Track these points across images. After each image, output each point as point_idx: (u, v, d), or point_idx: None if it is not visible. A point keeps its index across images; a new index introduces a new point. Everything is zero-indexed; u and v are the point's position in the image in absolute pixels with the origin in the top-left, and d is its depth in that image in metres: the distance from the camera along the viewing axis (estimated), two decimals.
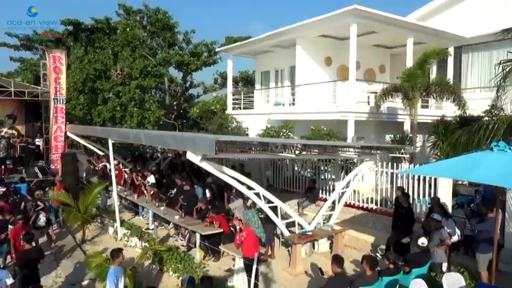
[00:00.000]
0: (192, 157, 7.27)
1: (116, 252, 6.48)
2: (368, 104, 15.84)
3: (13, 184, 14.25)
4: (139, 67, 22.61)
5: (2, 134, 18.57)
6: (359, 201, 12.09)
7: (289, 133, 14.65)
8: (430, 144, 12.77)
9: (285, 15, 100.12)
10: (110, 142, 11.73)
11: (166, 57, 25.04)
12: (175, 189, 12.84)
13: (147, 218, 12.28)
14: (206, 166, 7.41)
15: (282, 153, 7.79)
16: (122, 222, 12.13)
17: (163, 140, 8.27)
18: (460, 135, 8.87)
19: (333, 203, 10.89)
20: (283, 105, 17.06)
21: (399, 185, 10.42)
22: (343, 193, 10.11)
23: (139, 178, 12.91)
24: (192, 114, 20.77)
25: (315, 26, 14.61)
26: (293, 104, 16.52)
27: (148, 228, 11.50)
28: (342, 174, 12.36)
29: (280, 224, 8.61)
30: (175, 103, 27.46)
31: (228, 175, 7.80)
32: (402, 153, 10.18)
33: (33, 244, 7.99)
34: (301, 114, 14.91)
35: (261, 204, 8.34)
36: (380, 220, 10.86)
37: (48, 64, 16.39)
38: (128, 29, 25.02)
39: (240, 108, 19.92)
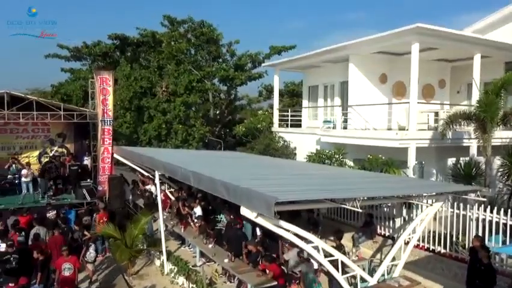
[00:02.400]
0: (246, 213, 6.59)
1: None
2: (428, 124, 14.65)
3: (62, 210, 14.32)
4: (183, 83, 22.43)
5: (53, 152, 18.92)
6: (423, 240, 10.92)
7: (342, 159, 13.69)
8: (501, 170, 11.47)
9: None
10: (157, 174, 11.39)
11: (210, 72, 24.73)
12: (221, 215, 12.35)
13: (194, 251, 11.81)
14: (262, 222, 6.71)
15: (346, 205, 6.95)
16: (169, 256, 11.77)
17: (214, 187, 7.65)
18: None
19: (392, 239, 9.90)
20: (334, 124, 16.11)
21: (473, 230, 9.23)
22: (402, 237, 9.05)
23: (186, 209, 12.46)
24: (238, 132, 20.24)
25: (372, 43, 13.62)
26: (345, 122, 15.56)
27: (195, 265, 11.01)
28: (404, 210, 11.26)
29: (342, 280, 7.75)
30: (219, 117, 27.13)
31: (284, 229, 7.05)
32: (477, 196, 8.99)
33: None
34: (355, 138, 13.91)
35: (320, 258, 7.52)
36: (449, 267, 9.68)
37: (96, 85, 16.42)
38: (172, 42, 24.99)
39: (287, 126, 19.15)
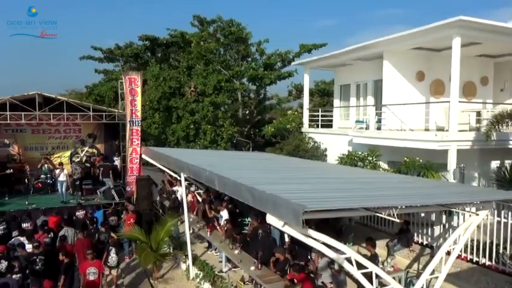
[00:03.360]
0: (273, 221, 6.14)
1: None
2: (469, 124, 13.69)
3: (90, 210, 14.37)
4: (212, 83, 22.22)
5: (84, 153, 19.14)
6: (465, 251, 10.10)
7: (376, 161, 12.98)
8: None
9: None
10: (182, 176, 11.14)
11: (239, 71, 24.41)
12: (248, 218, 11.94)
13: (220, 256, 11.47)
14: (289, 230, 6.23)
15: (381, 214, 6.36)
16: (195, 260, 11.50)
17: (239, 192, 7.24)
18: None
19: (430, 248, 9.13)
20: (367, 124, 15.38)
21: None
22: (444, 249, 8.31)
23: (212, 212, 12.14)
24: (266, 133, 19.80)
25: (409, 39, 12.83)
26: (378, 122, 14.82)
27: (221, 271, 10.67)
28: (443, 216, 10.48)
29: None
30: (248, 117, 26.79)
31: (313, 238, 6.53)
32: None
33: None
34: (390, 140, 13.16)
35: (353, 270, 6.93)
36: (495, 280, 8.86)
37: (124, 86, 16.41)
38: (202, 42, 24.86)
39: (318, 126, 18.54)
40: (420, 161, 11.48)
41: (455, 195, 7.93)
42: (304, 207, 5.35)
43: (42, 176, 17.56)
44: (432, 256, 10.15)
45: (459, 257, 10.12)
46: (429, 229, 11.04)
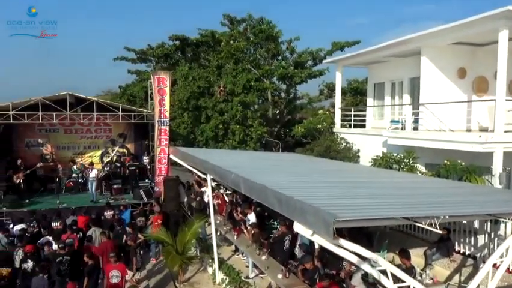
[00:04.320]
0: (301, 229, 5.68)
1: None
2: None
3: (117, 211, 14.34)
4: (241, 82, 21.90)
5: (114, 152, 19.29)
6: None
7: (412, 164, 12.22)
8: None
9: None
10: (209, 178, 10.84)
11: (269, 70, 23.98)
12: (277, 221, 11.48)
13: (247, 260, 11.08)
14: (319, 240, 5.75)
15: (422, 224, 5.77)
16: (221, 264, 11.17)
17: (265, 197, 6.81)
18: None
19: (473, 259, 8.32)
20: (403, 124, 14.58)
21: None
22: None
23: (239, 214, 11.77)
24: (296, 133, 19.28)
25: (449, 33, 11.98)
26: (415, 123, 14.00)
27: (247, 277, 10.28)
28: (488, 225, 9.64)
29: None
30: (278, 116, 26.33)
31: (344, 248, 6.00)
32: None
33: None
34: (428, 141, 12.34)
35: (388, 284, 6.34)
36: None
37: (153, 86, 16.34)
38: (231, 41, 24.63)
39: (350, 126, 17.84)
40: (462, 164, 10.65)
41: (504, 203, 7.18)
42: (335, 216, 4.86)
43: (73, 175, 17.80)
44: (475, 267, 9.40)
45: (507, 270, 9.30)
46: (472, 237, 10.20)
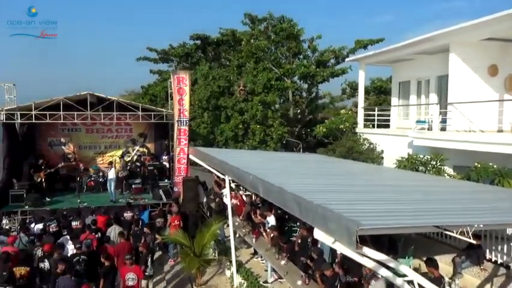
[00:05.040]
0: (321, 236, 5.35)
1: None
2: None
3: (136, 211, 14.28)
4: (262, 81, 21.62)
5: (135, 152, 19.31)
6: None
7: (440, 166, 11.66)
8: None
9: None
10: (227, 179, 10.61)
11: (290, 69, 23.61)
12: (298, 223, 11.14)
13: (266, 264, 10.79)
14: (340, 248, 5.40)
15: (452, 232, 5.35)
16: (239, 267, 10.92)
17: (284, 201, 6.51)
18: None
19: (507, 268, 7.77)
20: (429, 124, 13.99)
21: None
22: None
23: (258, 216, 11.48)
24: (318, 133, 18.87)
25: (480, 28, 11.39)
26: (443, 123, 13.41)
27: (266, 281, 9.99)
28: None
29: None
30: (299, 116, 25.92)
31: (367, 257, 5.63)
32: None
33: None
34: (457, 142, 11.77)
35: None
36: None
37: (173, 85, 16.25)
38: (252, 40, 24.40)
39: (373, 126, 17.30)
40: (494, 166, 10.06)
41: None
42: (358, 223, 4.53)
43: (94, 174, 17.90)
44: (508, 277, 8.82)
45: None
46: (505, 245, 9.60)
